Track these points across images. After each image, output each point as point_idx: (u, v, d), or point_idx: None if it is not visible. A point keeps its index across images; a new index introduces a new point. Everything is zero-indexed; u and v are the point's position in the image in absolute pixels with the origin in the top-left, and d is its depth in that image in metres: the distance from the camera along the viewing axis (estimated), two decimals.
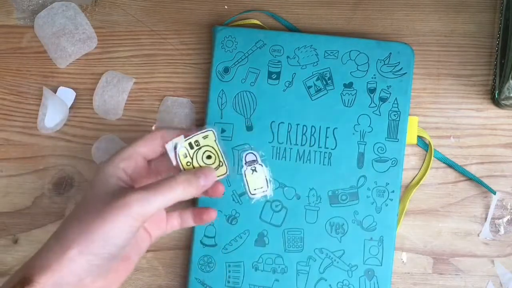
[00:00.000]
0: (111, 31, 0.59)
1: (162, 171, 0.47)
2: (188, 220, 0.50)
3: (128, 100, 0.58)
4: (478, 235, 0.56)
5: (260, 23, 0.58)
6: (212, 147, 0.45)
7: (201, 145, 0.44)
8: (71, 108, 0.58)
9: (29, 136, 0.58)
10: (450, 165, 0.56)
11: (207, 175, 0.44)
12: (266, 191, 0.53)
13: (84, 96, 0.58)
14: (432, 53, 0.58)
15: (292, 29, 0.58)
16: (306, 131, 0.55)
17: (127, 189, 0.42)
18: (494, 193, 0.56)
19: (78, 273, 0.40)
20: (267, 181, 0.54)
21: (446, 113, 0.57)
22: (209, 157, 0.44)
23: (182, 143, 0.44)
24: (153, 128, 0.57)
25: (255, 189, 0.53)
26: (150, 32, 0.59)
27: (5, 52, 0.59)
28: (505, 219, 0.56)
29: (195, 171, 0.44)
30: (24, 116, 0.58)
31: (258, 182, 0.51)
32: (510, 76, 0.52)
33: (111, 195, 0.41)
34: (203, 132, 0.44)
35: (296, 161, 0.55)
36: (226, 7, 0.59)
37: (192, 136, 0.44)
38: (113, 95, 0.57)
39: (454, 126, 0.57)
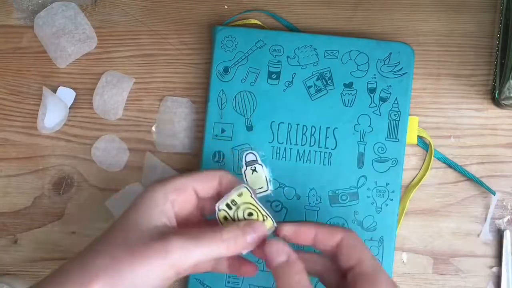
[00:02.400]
0: (111, 31, 0.59)
1: (207, 213, 0.45)
2: (223, 265, 0.45)
3: (128, 100, 0.58)
4: (478, 235, 0.56)
5: (260, 23, 0.58)
6: (251, 203, 0.42)
7: (238, 204, 0.42)
8: (71, 108, 0.58)
9: (29, 136, 0.58)
10: (450, 165, 0.56)
11: (256, 230, 0.41)
12: (266, 191, 0.53)
13: (84, 96, 0.58)
14: (432, 53, 0.58)
15: (292, 29, 0.58)
16: (306, 131, 0.55)
17: (168, 229, 0.39)
18: (494, 193, 0.56)
19: None
20: (267, 181, 0.54)
21: (446, 113, 0.57)
22: (250, 214, 0.42)
23: (219, 206, 0.42)
24: (153, 128, 0.57)
25: (255, 189, 0.53)
26: (150, 32, 0.59)
27: (5, 52, 0.59)
28: (505, 219, 0.56)
29: (243, 226, 0.40)
30: (24, 116, 0.58)
31: (258, 182, 0.51)
32: (510, 76, 0.52)
33: (150, 233, 0.38)
34: (237, 190, 0.42)
35: (296, 161, 0.54)
36: (226, 7, 0.59)
37: (227, 197, 0.42)
38: (113, 95, 0.57)
39: (454, 126, 0.57)
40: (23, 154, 0.58)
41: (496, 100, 0.56)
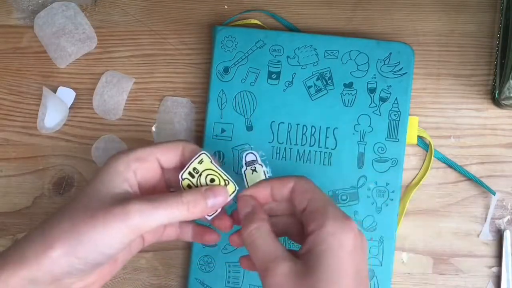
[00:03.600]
0: (111, 31, 0.59)
1: (173, 185, 0.45)
2: (187, 234, 0.47)
3: (128, 100, 0.58)
4: (478, 235, 0.56)
5: (260, 23, 0.58)
6: (211, 169, 0.44)
7: (200, 171, 0.43)
8: (71, 108, 0.58)
9: (29, 136, 0.58)
10: (450, 165, 0.56)
11: (216, 194, 0.42)
12: None
13: (84, 96, 0.58)
14: (432, 53, 0.58)
15: (292, 29, 0.58)
16: (306, 131, 0.55)
17: (130, 195, 0.40)
18: (494, 193, 0.56)
19: (56, 273, 0.38)
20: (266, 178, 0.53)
21: (446, 113, 0.57)
22: (212, 180, 0.44)
23: (182, 174, 0.43)
24: (153, 128, 0.57)
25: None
26: (150, 32, 0.59)
27: (5, 52, 0.59)
28: (505, 219, 0.56)
29: (204, 190, 0.42)
30: (24, 116, 0.58)
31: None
32: (510, 76, 0.52)
33: (112, 199, 0.39)
34: (197, 157, 0.43)
35: (296, 161, 0.54)
36: (226, 7, 0.59)
37: (188, 166, 0.43)
38: (113, 95, 0.57)
39: (454, 126, 0.57)
40: (23, 154, 0.58)
41: (496, 100, 0.56)
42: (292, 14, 0.58)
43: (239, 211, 0.42)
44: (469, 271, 0.56)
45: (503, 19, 0.56)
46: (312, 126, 0.55)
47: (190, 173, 0.43)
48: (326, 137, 0.55)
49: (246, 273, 0.54)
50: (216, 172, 0.44)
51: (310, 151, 0.55)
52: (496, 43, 0.57)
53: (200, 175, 0.43)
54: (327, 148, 0.54)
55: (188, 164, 0.43)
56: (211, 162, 0.43)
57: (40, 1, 0.59)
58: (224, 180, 0.44)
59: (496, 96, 0.55)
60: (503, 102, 0.55)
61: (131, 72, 0.58)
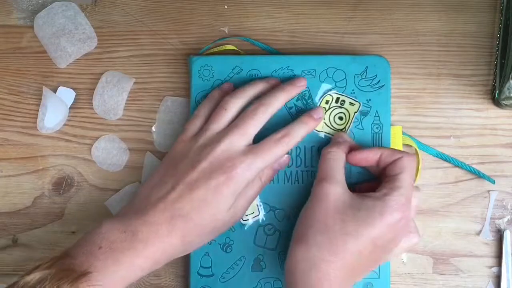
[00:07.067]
0: (111, 31, 0.59)
1: None
2: None
3: (128, 100, 0.58)
4: (478, 235, 0.56)
5: (235, 48, 0.57)
6: (349, 114, 0.49)
7: (343, 106, 0.48)
8: (71, 108, 0.58)
9: (29, 136, 0.58)
10: (446, 159, 0.56)
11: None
12: (257, 216, 0.53)
13: (84, 96, 0.58)
14: (432, 53, 0.58)
15: (269, 50, 0.57)
16: (291, 152, 0.54)
17: None
18: (493, 182, 0.56)
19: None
20: (257, 206, 0.53)
21: (446, 113, 0.57)
22: (340, 118, 0.49)
23: (333, 93, 0.48)
24: (153, 128, 0.57)
25: (246, 215, 0.53)
26: (150, 32, 0.59)
27: (5, 52, 0.59)
28: (505, 219, 0.56)
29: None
30: (24, 116, 0.58)
31: (249, 208, 0.51)
32: (510, 76, 0.52)
33: None
34: (354, 100, 0.49)
35: (284, 183, 0.54)
36: (226, 7, 0.59)
37: (344, 95, 0.48)
38: (113, 95, 0.57)
39: (454, 126, 0.57)
40: (23, 154, 0.58)
41: (496, 100, 0.56)
42: (291, 14, 0.58)
43: (334, 137, 0.52)
44: (469, 271, 0.56)
45: (503, 19, 0.56)
46: (297, 146, 0.54)
47: (338, 99, 0.52)
48: (312, 156, 0.54)
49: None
50: (349, 118, 0.53)
51: (297, 171, 0.54)
52: (496, 43, 0.57)
53: (340, 107, 0.52)
54: (313, 167, 0.54)
55: (346, 95, 0.53)
56: (355, 112, 0.51)
57: (40, 1, 0.59)
58: (346, 128, 0.53)
59: (496, 96, 0.55)
60: (503, 102, 0.55)
61: (131, 72, 0.58)
